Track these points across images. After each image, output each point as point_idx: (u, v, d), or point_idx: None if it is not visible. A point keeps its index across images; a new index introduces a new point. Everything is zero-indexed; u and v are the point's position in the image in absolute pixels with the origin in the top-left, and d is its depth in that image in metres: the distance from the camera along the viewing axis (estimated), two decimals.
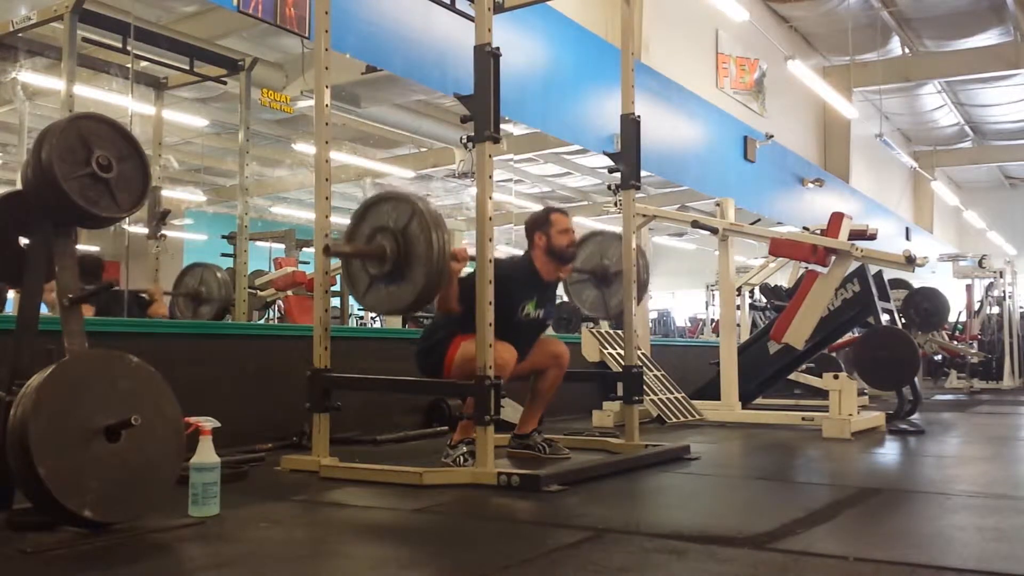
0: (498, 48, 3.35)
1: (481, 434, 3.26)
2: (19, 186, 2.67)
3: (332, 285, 5.19)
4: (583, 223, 15.26)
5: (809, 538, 2.41)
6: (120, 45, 5.31)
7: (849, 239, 5.45)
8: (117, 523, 2.36)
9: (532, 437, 3.98)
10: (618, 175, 4.24)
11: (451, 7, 4.25)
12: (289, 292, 7.05)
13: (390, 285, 3.37)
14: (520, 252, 4.13)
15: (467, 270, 3.62)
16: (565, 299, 5.16)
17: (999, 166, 25.29)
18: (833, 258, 5.33)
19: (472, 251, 3.48)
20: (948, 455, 4.55)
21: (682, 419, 5.54)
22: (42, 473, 2.21)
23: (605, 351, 5.68)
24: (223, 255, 6.52)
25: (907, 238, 18.64)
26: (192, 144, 11.14)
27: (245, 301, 5.61)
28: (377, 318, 12.30)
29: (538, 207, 5.83)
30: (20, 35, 5.07)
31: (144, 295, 5.43)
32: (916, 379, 5.96)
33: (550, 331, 4.68)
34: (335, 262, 3.95)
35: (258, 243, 8.53)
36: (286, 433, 4.28)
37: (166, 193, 6.29)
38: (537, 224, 3.95)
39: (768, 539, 2.33)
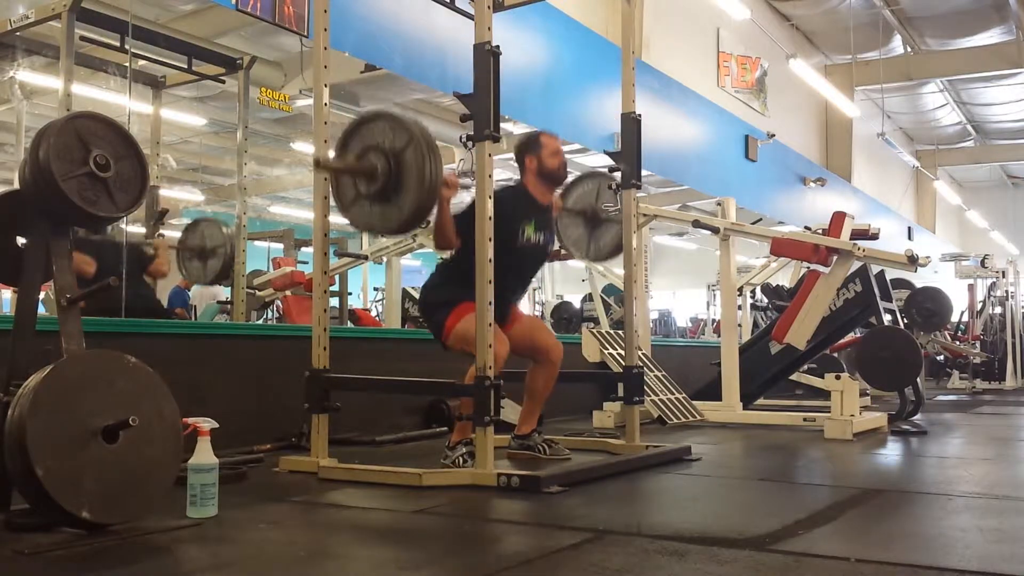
0: (498, 46, 3.34)
1: (481, 435, 3.25)
2: (16, 185, 2.66)
3: (331, 285, 5.18)
4: None
5: (811, 539, 2.40)
6: (118, 44, 5.29)
7: (851, 239, 5.44)
8: (115, 524, 2.35)
9: (532, 438, 3.96)
10: (619, 174, 4.23)
11: (451, 5, 4.22)
12: (288, 292, 7.04)
13: (375, 205, 3.35)
14: None
15: (464, 200, 3.56)
16: (565, 298, 5.14)
17: (1001, 165, 25.31)
18: (835, 258, 5.31)
19: (463, 180, 3.49)
20: (950, 456, 4.54)
21: (683, 420, 5.53)
22: (40, 474, 2.20)
23: (606, 351, 5.66)
24: None
25: (909, 238, 18.62)
26: (190, 143, 11.13)
27: (243, 301, 5.60)
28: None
29: None
30: (18, 34, 5.06)
31: (147, 248, 5.22)
32: (918, 380, 5.94)
33: (549, 327, 4.65)
34: (334, 261, 3.93)
35: (256, 243, 8.51)
36: (285, 434, 4.27)
37: (164, 192, 6.28)
38: (527, 147, 3.90)
39: (770, 540, 2.32)
